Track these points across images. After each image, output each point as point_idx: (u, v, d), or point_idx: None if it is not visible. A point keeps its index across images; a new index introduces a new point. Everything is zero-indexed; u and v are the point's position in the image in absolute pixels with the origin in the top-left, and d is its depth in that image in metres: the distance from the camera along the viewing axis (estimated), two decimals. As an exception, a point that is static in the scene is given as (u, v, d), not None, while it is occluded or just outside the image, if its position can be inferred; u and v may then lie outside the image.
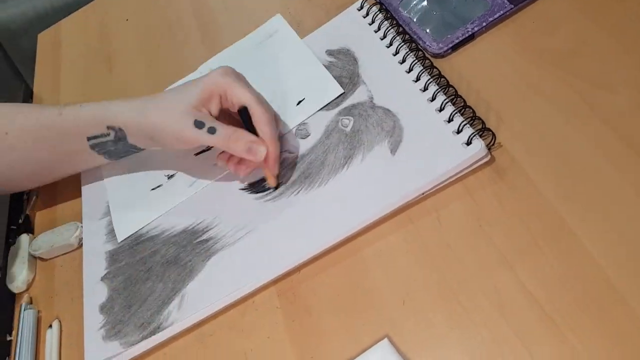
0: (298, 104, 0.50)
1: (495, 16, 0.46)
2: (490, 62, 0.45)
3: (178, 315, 0.42)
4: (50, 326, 0.48)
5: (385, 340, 0.35)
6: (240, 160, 0.46)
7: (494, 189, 0.39)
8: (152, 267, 0.46)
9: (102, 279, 0.48)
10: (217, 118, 0.44)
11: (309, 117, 0.49)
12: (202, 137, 0.43)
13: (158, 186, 0.52)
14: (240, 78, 0.45)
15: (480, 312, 0.35)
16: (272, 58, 0.56)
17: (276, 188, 0.46)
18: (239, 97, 0.43)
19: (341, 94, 0.48)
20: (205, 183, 0.50)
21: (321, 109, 0.48)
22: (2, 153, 0.49)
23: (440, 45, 0.48)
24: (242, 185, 0.47)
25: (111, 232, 0.51)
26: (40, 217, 0.58)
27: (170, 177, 0.52)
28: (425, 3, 0.51)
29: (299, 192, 0.44)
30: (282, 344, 0.39)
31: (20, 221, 0.57)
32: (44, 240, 0.53)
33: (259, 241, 0.43)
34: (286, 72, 0.53)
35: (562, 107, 0.40)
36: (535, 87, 0.42)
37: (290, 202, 0.44)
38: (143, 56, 0.68)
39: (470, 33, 0.47)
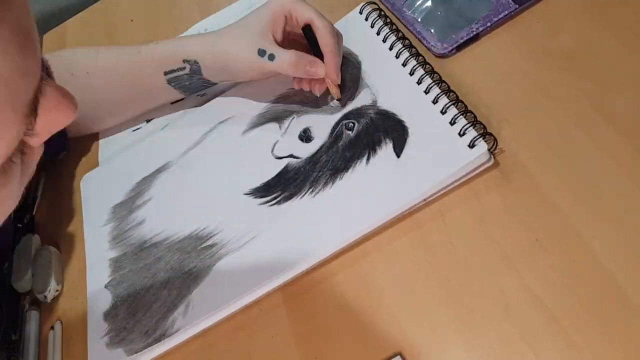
0: None
1: (500, 16, 0.47)
2: (495, 62, 0.46)
3: (183, 322, 0.43)
4: (52, 327, 0.50)
5: (398, 358, 0.36)
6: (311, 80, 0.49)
7: (499, 191, 0.40)
8: (156, 273, 0.47)
9: (106, 286, 0.49)
10: (282, 43, 0.48)
11: None
12: (265, 64, 0.47)
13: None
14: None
15: (485, 314, 0.35)
16: None
17: (340, 101, 0.48)
18: (302, 13, 0.46)
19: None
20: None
21: (324, 112, 0.49)
22: (85, 91, 0.53)
23: (445, 45, 0.48)
24: (247, 190, 0.48)
25: (114, 239, 0.52)
26: (43, 219, 0.60)
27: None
28: (429, 3, 0.52)
29: (303, 196, 0.45)
30: (286, 344, 0.40)
31: (25, 221, 0.58)
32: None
33: (264, 246, 0.44)
34: None
35: (566, 108, 0.41)
36: (540, 88, 0.43)
37: (295, 206, 0.45)
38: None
39: (474, 33, 0.47)
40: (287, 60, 0.46)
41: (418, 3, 0.52)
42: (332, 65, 0.46)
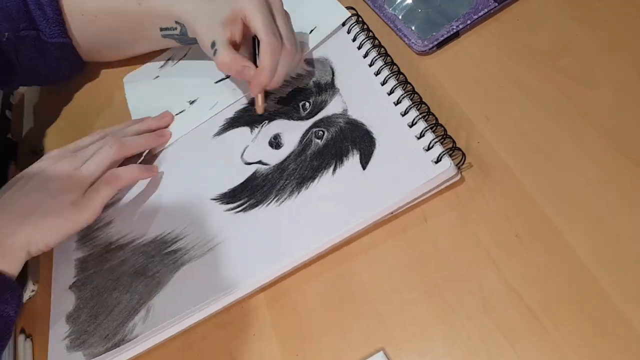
0: (310, 32, 0.55)
1: (480, 14, 0.46)
2: (475, 59, 0.46)
3: (143, 328, 0.42)
4: (22, 331, 0.49)
5: (381, 353, 0.36)
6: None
7: (479, 187, 0.40)
8: (120, 276, 0.47)
9: (71, 287, 0.48)
10: (242, 40, 0.49)
11: (322, 42, 0.53)
12: (212, 56, 0.48)
13: (181, 111, 0.57)
14: (263, 5, 0.47)
15: (465, 309, 0.36)
16: None
17: (261, 116, 0.50)
18: (251, 24, 0.47)
19: (348, 17, 0.52)
20: (225, 104, 0.54)
21: (296, 118, 0.49)
22: (93, 30, 0.59)
23: (425, 42, 0.47)
24: (214, 195, 0.48)
25: (82, 239, 0.51)
26: None
27: (192, 102, 0.56)
28: (410, 0, 0.51)
29: (269, 204, 0.44)
30: (268, 342, 0.40)
31: None
32: None
33: (227, 254, 0.43)
34: (294, 8, 0.54)
35: (545, 105, 0.41)
36: (519, 85, 0.43)
37: (260, 214, 0.44)
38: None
39: (455, 31, 0.47)
40: (229, 60, 0.47)
41: (399, 0, 0.51)
42: (257, 79, 0.47)
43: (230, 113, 0.53)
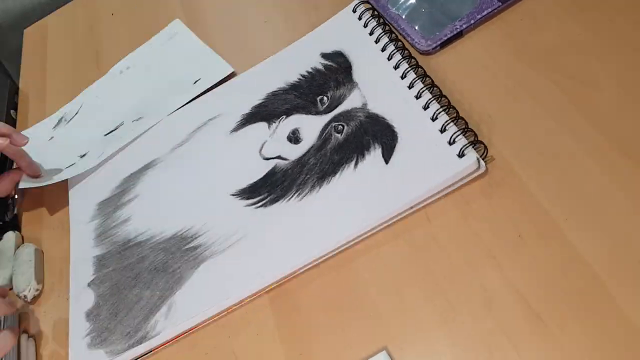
0: (195, 82, 0.60)
1: (483, 14, 0.47)
2: (478, 59, 0.47)
3: (165, 324, 0.44)
4: (25, 332, 0.50)
5: (383, 352, 0.37)
6: None
7: (482, 186, 0.40)
8: (140, 273, 0.48)
9: (89, 284, 0.49)
10: None
11: (204, 93, 0.58)
12: None
13: (71, 164, 0.59)
14: None
15: (468, 309, 0.36)
16: (171, 55, 0.65)
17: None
18: None
19: (231, 73, 0.58)
20: (110, 152, 0.58)
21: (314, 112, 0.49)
22: None
23: (429, 42, 0.48)
24: (233, 191, 0.49)
25: (99, 236, 0.52)
26: (24, 217, 0.60)
27: (82, 156, 0.60)
28: (413, 0, 0.51)
29: (290, 199, 0.45)
30: (272, 341, 0.41)
31: (7, 219, 0.58)
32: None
33: (249, 249, 0.44)
34: (183, 63, 0.63)
35: (549, 105, 0.42)
36: (522, 85, 0.43)
37: (282, 209, 0.45)
38: (130, 50, 0.70)
39: (458, 30, 0.48)
40: None
41: (402, 0, 0.52)
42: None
43: (246, 109, 0.53)
